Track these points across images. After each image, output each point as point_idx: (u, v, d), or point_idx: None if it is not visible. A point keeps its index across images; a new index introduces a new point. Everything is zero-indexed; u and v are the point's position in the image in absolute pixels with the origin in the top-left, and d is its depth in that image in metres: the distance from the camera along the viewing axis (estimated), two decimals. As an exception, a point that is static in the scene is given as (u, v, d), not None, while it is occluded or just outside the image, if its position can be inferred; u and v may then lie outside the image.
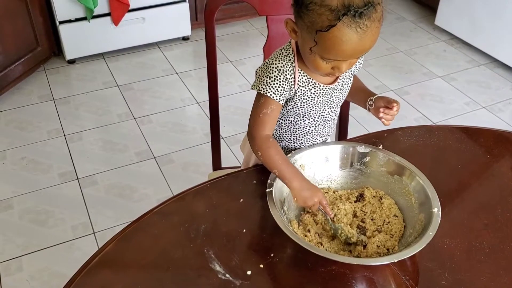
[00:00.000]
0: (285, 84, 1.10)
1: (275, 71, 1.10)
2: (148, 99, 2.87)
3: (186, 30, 3.33)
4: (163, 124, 2.68)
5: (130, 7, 3.01)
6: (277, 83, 1.10)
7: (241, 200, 1.14)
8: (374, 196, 1.14)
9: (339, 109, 1.25)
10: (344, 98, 1.24)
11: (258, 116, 1.12)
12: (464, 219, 1.14)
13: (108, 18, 3.04)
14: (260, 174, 1.21)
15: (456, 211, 1.16)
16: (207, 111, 1.62)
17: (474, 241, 1.09)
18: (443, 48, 3.40)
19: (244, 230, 1.07)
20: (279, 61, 1.11)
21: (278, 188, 1.07)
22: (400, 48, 3.39)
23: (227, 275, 0.98)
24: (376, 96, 1.23)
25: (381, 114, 1.19)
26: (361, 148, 1.17)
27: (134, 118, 2.71)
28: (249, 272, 0.99)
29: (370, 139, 1.31)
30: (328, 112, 1.21)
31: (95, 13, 2.96)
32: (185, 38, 3.39)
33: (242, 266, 1.00)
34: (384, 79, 3.06)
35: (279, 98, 1.11)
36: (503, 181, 1.24)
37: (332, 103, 1.20)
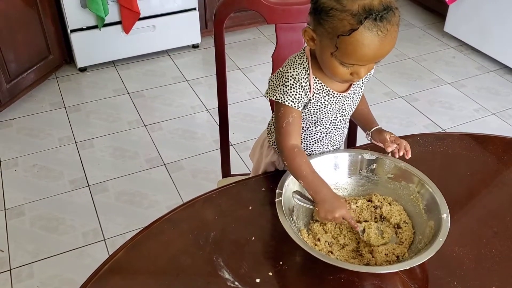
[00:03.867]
0: (302, 92, 1.11)
1: (291, 80, 1.11)
2: (158, 106, 2.89)
3: (196, 38, 3.35)
4: (173, 131, 2.69)
5: (141, 15, 3.04)
6: (294, 91, 1.11)
7: (250, 207, 1.15)
8: (382, 202, 1.14)
9: (349, 117, 1.26)
10: (355, 107, 1.24)
11: (282, 127, 1.13)
12: (473, 227, 1.14)
13: (119, 27, 3.07)
14: (269, 182, 1.22)
15: (465, 219, 1.16)
16: (217, 118, 1.64)
17: (483, 249, 1.09)
18: (452, 54, 3.40)
19: (253, 238, 1.08)
20: (293, 69, 1.12)
21: (287, 197, 1.08)
22: (409, 54, 3.39)
23: (236, 283, 0.99)
24: (373, 130, 1.23)
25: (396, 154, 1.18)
26: (368, 155, 1.17)
27: (145, 125, 2.73)
28: (258, 280, 0.99)
29: (378, 147, 1.31)
30: (340, 120, 1.21)
31: (106, 22, 2.99)
32: (195, 46, 3.41)
33: (251, 274, 1.01)
34: (393, 86, 3.06)
35: (298, 106, 1.12)
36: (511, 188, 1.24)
37: (344, 111, 1.20)
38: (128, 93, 3.00)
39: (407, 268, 0.94)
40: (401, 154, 1.17)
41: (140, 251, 1.06)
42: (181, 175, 2.41)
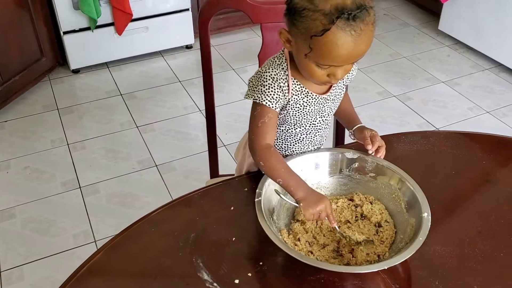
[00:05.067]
0: (280, 92, 1.10)
1: (269, 79, 1.10)
2: (151, 107, 2.88)
3: (189, 39, 3.34)
4: (165, 132, 2.69)
5: (134, 17, 3.03)
6: (271, 91, 1.09)
7: (232, 208, 1.14)
8: (365, 201, 1.13)
9: (331, 118, 1.25)
10: (336, 108, 1.23)
11: (257, 126, 1.12)
12: (457, 226, 1.13)
13: (111, 28, 3.07)
14: (252, 182, 1.21)
15: (449, 218, 1.15)
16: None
17: (466, 249, 1.08)
18: (447, 53, 3.39)
19: (234, 239, 1.07)
20: (272, 69, 1.11)
21: (267, 197, 1.07)
22: (403, 53, 3.38)
23: (215, 284, 0.98)
24: (355, 128, 1.23)
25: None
26: (350, 154, 1.16)
27: (137, 127, 2.73)
28: (237, 281, 0.98)
29: (361, 146, 1.30)
30: (320, 121, 1.20)
31: (98, 23, 2.99)
32: (188, 47, 3.40)
33: (230, 275, 1.00)
34: (386, 85, 3.05)
35: (275, 106, 1.11)
36: (498, 188, 1.23)
37: (323, 112, 1.19)
38: (121, 94, 2.99)
39: (385, 267, 0.93)
40: (377, 155, 1.16)
41: (119, 253, 1.05)
42: (173, 176, 2.41)
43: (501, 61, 3.15)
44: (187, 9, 3.22)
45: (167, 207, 1.14)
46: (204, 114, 2.78)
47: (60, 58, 3.14)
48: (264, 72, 1.10)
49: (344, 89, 1.24)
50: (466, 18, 3.26)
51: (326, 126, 1.24)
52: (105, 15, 2.99)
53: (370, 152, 1.16)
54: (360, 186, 1.16)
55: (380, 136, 1.26)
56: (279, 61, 1.11)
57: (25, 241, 2.09)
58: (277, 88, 1.09)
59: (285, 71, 1.10)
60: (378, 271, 0.99)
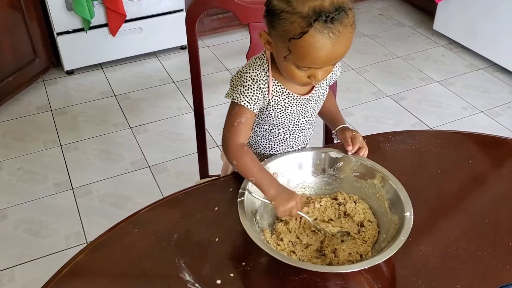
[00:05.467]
0: (259, 93, 1.10)
1: (249, 80, 1.09)
2: (145, 108, 2.88)
3: (184, 39, 3.33)
4: (158, 133, 2.68)
5: (128, 17, 3.03)
6: (250, 92, 1.09)
7: (216, 208, 1.14)
8: (349, 200, 1.13)
9: (314, 118, 1.24)
10: (319, 109, 1.23)
11: (232, 125, 1.11)
12: (441, 225, 1.12)
13: (105, 29, 3.06)
14: (237, 182, 1.20)
15: (433, 218, 1.14)
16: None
17: (450, 248, 1.07)
18: (442, 53, 3.38)
19: (217, 239, 1.07)
20: (252, 70, 1.10)
21: (250, 197, 1.06)
22: (397, 53, 3.38)
23: (197, 285, 0.97)
24: (338, 129, 1.23)
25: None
26: (334, 154, 1.16)
27: (130, 128, 2.72)
28: (219, 281, 0.98)
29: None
30: (303, 121, 1.20)
31: (92, 24, 2.98)
32: (183, 47, 3.40)
33: (212, 276, 0.99)
34: (380, 85, 3.05)
35: (253, 107, 1.10)
36: (484, 187, 1.23)
37: (306, 113, 1.19)
38: (115, 95, 2.99)
39: (366, 267, 0.92)
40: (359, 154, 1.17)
41: (101, 254, 1.05)
42: (165, 177, 2.40)
43: (496, 60, 3.15)
44: (181, 10, 3.22)
45: (151, 207, 1.14)
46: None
47: (54, 59, 3.14)
48: (245, 73, 1.10)
49: (327, 89, 1.23)
50: (461, 18, 3.26)
51: (310, 126, 1.24)
52: (99, 16, 2.98)
53: (349, 153, 1.16)
54: (344, 186, 1.16)
55: (367, 136, 1.26)
56: (260, 61, 1.11)
57: (17, 242, 2.09)
58: (257, 89, 1.09)
59: (266, 72, 1.10)
60: (360, 270, 0.99)
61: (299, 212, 1.05)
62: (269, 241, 1.03)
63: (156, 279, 1.00)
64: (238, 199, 1.04)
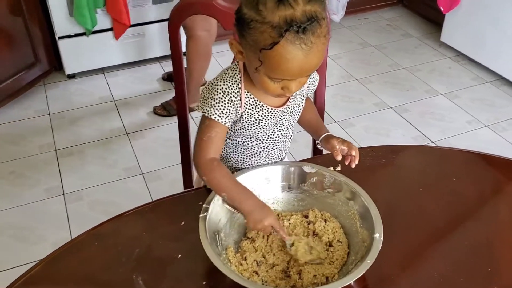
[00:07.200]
0: (231, 106, 1.05)
1: (220, 93, 1.05)
2: (143, 114, 2.85)
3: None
4: (155, 140, 2.65)
5: (131, 23, 3.00)
6: (222, 105, 1.05)
7: (183, 223, 1.09)
8: (319, 218, 1.07)
9: (291, 131, 1.19)
10: (295, 121, 1.18)
11: (202, 140, 1.06)
12: (417, 247, 1.06)
13: (108, 34, 3.04)
14: (208, 195, 1.15)
15: (410, 238, 1.08)
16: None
17: (426, 271, 1.02)
18: (448, 65, 3.31)
19: (179, 256, 1.02)
20: (224, 82, 1.06)
21: (215, 212, 1.02)
22: (403, 64, 3.31)
23: (151, 303, 0.93)
24: (322, 138, 1.17)
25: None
26: (308, 168, 1.11)
27: (127, 134, 2.70)
28: (175, 301, 0.94)
29: (331, 159, 1.24)
30: (278, 135, 1.15)
31: (95, 29, 2.96)
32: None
33: (169, 294, 0.95)
34: (383, 96, 2.98)
35: (224, 121, 1.06)
36: (465, 207, 1.16)
37: (281, 125, 1.14)
38: (114, 100, 2.97)
39: (326, 292, 0.87)
40: (346, 163, 1.11)
41: (58, 266, 1.01)
42: (158, 185, 2.37)
43: (503, 74, 3.07)
44: (184, 16, 3.19)
45: (113, 220, 1.10)
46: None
47: (56, 63, 3.13)
48: (216, 85, 1.05)
49: (303, 101, 1.18)
50: (469, 30, 3.19)
51: (286, 139, 1.19)
52: (101, 21, 2.96)
53: (342, 161, 1.11)
54: (317, 202, 1.10)
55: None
56: (232, 73, 1.07)
57: (3, 248, 2.06)
58: (228, 103, 1.04)
59: (238, 84, 1.05)
60: (325, 294, 0.93)
61: (283, 235, 0.99)
62: (231, 260, 0.98)
63: (111, 296, 0.96)
64: (201, 215, 0.99)
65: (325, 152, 1.25)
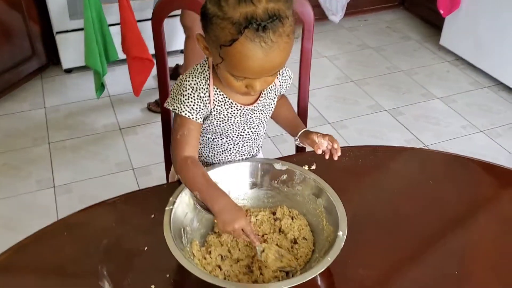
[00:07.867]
0: (200, 102, 1.05)
1: (189, 89, 1.04)
2: (137, 110, 2.86)
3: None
4: (147, 136, 2.66)
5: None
6: (191, 101, 1.04)
7: (153, 216, 1.09)
8: (287, 215, 1.07)
9: (262, 128, 1.18)
10: (266, 119, 1.17)
11: (176, 138, 1.06)
12: (388, 249, 1.06)
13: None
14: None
15: (381, 240, 1.08)
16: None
17: (395, 273, 1.01)
18: (447, 69, 3.29)
19: (146, 248, 1.03)
20: (192, 78, 1.05)
21: (183, 206, 1.02)
22: (401, 67, 3.30)
23: (114, 294, 0.93)
24: (300, 134, 1.17)
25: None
26: (279, 166, 1.10)
27: (120, 129, 2.70)
28: (138, 293, 0.94)
29: (307, 158, 1.24)
30: (248, 132, 1.15)
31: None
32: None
33: (133, 286, 0.95)
34: (379, 99, 2.97)
35: (196, 117, 1.05)
36: (441, 210, 1.16)
37: (252, 123, 1.14)
38: (109, 95, 2.98)
39: (284, 288, 0.87)
40: (327, 157, 1.11)
41: (26, 256, 1.01)
42: (148, 180, 2.37)
43: (502, 79, 3.05)
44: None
45: (84, 211, 1.10)
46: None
47: (54, 57, 3.15)
48: (184, 81, 1.05)
49: (275, 99, 1.17)
50: (468, 34, 3.17)
51: (257, 136, 1.18)
52: (99, 16, 2.97)
53: (323, 155, 1.10)
54: (287, 199, 1.10)
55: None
56: (201, 69, 1.06)
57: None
58: (197, 99, 1.04)
59: (207, 80, 1.05)
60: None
61: (253, 240, 0.97)
62: (195, 254, 0.98)
63: (74, 287, 0.96)
64: (167, 208, 0.99)
65: (308, 149, 1.24)
